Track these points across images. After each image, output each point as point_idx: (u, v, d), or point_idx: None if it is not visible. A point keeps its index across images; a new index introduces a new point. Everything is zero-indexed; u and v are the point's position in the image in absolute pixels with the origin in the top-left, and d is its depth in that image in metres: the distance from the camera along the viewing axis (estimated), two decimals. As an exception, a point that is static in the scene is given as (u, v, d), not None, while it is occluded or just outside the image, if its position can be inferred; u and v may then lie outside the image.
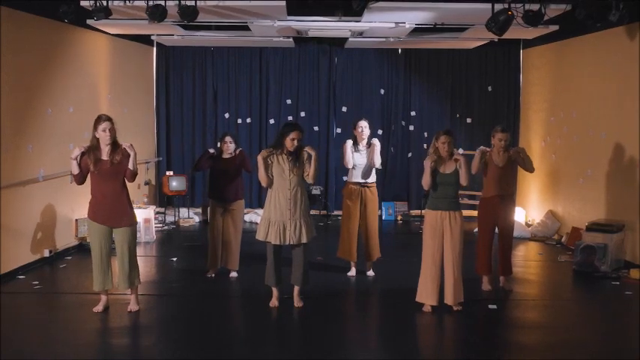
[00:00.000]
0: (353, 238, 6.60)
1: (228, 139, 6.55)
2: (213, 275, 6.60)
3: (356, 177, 6.54)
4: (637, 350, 4.63)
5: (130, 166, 5.22)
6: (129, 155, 5.23)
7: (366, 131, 6.54)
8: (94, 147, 5.17)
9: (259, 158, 5.40)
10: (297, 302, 5.62)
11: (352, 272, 6.71)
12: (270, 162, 5.40)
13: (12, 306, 5.53)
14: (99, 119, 5.22)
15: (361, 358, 4.68)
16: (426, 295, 5.50)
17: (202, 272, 6.65)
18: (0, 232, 6.09)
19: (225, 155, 6.55)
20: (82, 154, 5.16)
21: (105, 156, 5.18)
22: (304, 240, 5.46)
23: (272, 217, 5.42)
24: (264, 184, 5.44)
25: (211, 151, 6.66)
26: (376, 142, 6.54)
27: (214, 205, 6.55)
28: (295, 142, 5.35)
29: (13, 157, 6.34)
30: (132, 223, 5.34)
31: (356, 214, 6.55)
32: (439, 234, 5.48)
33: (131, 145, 5.26)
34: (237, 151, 6.59)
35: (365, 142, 6.54)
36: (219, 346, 4.74)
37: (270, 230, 5.42)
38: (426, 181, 5.48)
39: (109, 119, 5.23)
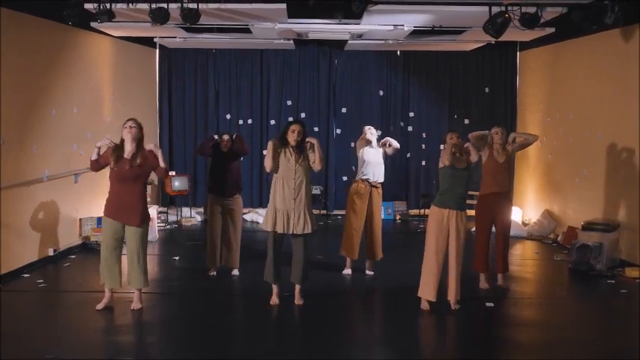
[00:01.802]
0: (358, 237, 6.67)
1: (226, 137, 6.67)
2: (215, 273, 6.69)
3: (367, 174, 6.64)
4: (635, 348, 4.68)
5: (161, 163, 5.35)
6: (155, 157, 5.34)
7: (374, 130, 6.72)
8: (119, 146, 5.30)
9: (270, 143, 5.49)
10: (298, 300, 5.69)
11: (348, 271, 6.78)
12: (279, 151, 5.49)
13: (17, 304, 5.62)
14: (127, 120, 5.38)
15: (361, 357, 4.73)
16: (427, 291, 5.54)
17: (204, 271, 6.73)
18: (0, 231, 6.18)
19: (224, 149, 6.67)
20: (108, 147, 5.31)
21: (127, 156, 5.28)
22: (308, 230, 5.53)
23: (278, 206, 5.50)
24: (268, 168, 5.49)
25: (216, 137, 6.78)
26: (389, 138, 6.80)
27: (213, 202, 6.62)
28: (295, 133, 5.44)
29: (17, 157, 6.43)
30: (142, 222, 5.39)
31: (363, 212, 6.64)
32: (445, 231, 5.53)
33: (155, 144, 5.41)
34: (235, 136, 6.69)
35: (375, 141, 6.69)
36: (220, 344, 4.81)
37: (278, 219, 5.49)
38: (447, 156, 5.51)
39: (136, 120, 5.37)
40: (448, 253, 5.58)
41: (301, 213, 5.49)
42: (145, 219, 5.44)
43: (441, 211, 5.53)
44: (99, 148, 5.33)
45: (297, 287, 5.72)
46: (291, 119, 10.46)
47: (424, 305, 5.57)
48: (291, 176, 5.46)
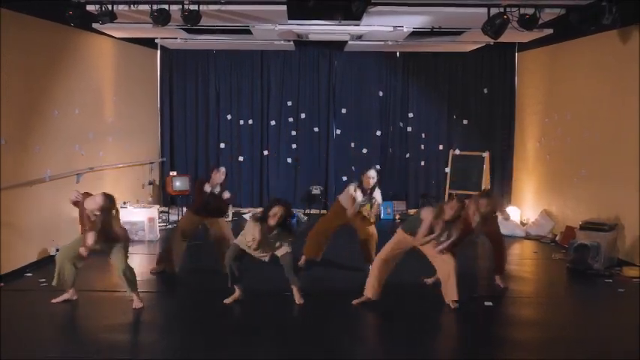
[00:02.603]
0: (326, 241, 6.94)
1: (222, 169, 6.72)
2: (157, 271, 6.71)
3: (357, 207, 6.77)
4: (634, 349, 4.71)
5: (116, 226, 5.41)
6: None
7: (373, 181, 6.76)
8: (92, 216, 5.30)
9: (257, 228, 5.51)
10: (299, 299, 5.75)
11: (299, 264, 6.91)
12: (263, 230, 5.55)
13: (19, 303, 5.67)
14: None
15: (361, 357, 4.77)
16: (369, 287, 5.71)
17: (204, 271, 6.76)
18: (1, 230, 6.21)
19: (214, 185, 6.59)
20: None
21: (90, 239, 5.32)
22: (289, 249, 5.69)
23: (248, 244, 5.65)
24: (255, 247, 5.59)
25: (207, 189, 6.57)
26: (378, 197, 6.81)
27: (191, 215, 6.75)
28: (277, 217, 5.50)
29: (20, 157, 6.47)
30: (122, 240, 5.51)
31: (341, 222, 6.85)
32: (404, 247, 5.78)
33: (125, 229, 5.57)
34: (226, 197, 6.64)
35: (370, 187, 6.77)
36: (220, 344, 4.84)
37: (249, 249, 5.66)
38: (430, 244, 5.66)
39: (104, 198, 5.27)
40: (440, 260, 5.65)
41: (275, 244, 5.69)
42: (126, 237, 5.59)
43: (407, 235, 5.76)
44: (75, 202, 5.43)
45: (296, 287, 5.79)
46: (291, 120, 10.61)
47: (356, 301, 5.72)
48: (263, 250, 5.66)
